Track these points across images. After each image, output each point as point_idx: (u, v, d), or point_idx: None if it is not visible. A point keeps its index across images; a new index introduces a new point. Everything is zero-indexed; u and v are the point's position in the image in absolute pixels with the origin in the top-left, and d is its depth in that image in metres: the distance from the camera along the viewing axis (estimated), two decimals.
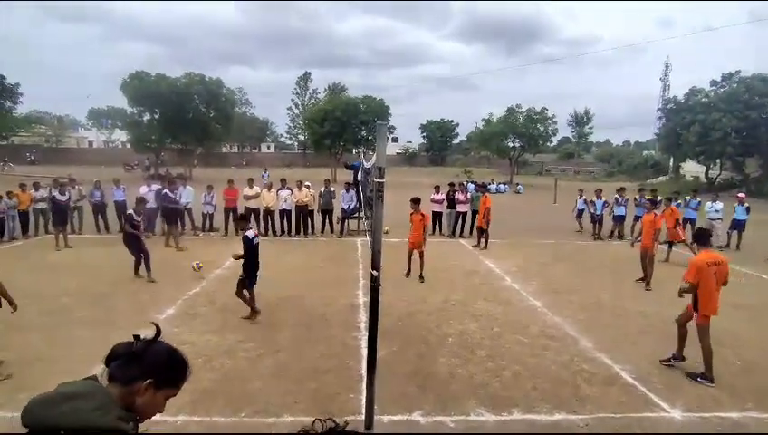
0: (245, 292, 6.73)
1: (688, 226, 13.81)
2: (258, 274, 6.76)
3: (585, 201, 15.63)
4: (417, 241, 9.04)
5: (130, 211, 8.99)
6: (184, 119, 37.55)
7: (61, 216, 11.65)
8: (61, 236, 11.49)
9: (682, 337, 5.55)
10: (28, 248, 11.57)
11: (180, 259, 10.24)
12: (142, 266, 8.82)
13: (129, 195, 13.72)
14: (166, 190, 12.40)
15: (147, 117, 39.19)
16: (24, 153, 52.10)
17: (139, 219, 8.94)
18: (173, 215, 12.14)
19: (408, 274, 9.27)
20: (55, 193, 11.98)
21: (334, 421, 1.09)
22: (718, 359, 5.80)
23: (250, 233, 6.69)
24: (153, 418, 1.37)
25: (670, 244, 11.57)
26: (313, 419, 1.09)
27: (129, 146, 47.63)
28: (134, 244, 8.78)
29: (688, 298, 5.43)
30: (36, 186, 13.16)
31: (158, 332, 1.45)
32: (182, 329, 6.40)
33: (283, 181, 13.97)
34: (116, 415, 1.22)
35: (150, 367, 1.35)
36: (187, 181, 17.14)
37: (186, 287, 8.29)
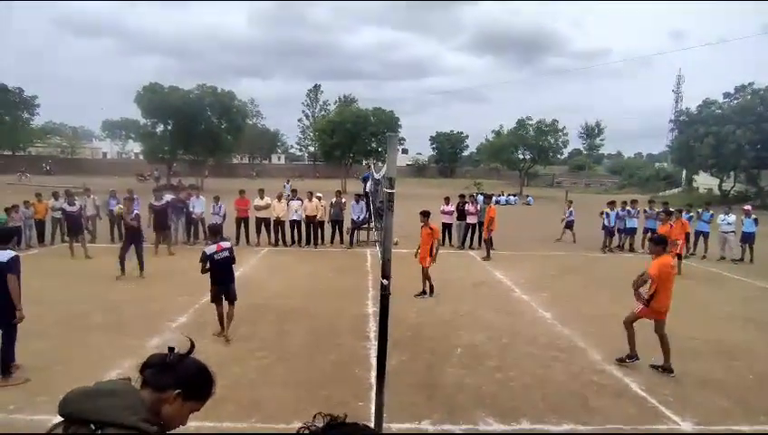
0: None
1: (701, 238, 13.72)
2: (224, 292, 6.43)
3: (572, 212, 16.13)
4: (423, 256, 8.69)
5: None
6: (196, 130, 38.12)
7: (74, 226, 11.87)
8: (77, 245, 11.68)
9: (631, 337, 5.92)
10: (44, 257, 11.80)
11: (191, 268, 10.37)
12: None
13: (143, 205, 13.96)
14: (150, 201, 12.68)
15: (160, 128, 39.84)
16: (40, 164, 53.16)
17: (131, 218, 9.58)
18: (164, 221, 12.54)
19: (422, 293, 8.82)
20: (64, 205, 12.21)
21: (332, 416, 1.16)
22: (731, 373, 5.79)
23: (208, 248, 6.42)
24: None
25: (679, 256, 11.46)
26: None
27: (141, 157, 48.45)
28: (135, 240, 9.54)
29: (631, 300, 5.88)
30: (56, 195, 13.48)
31: (192, 346, 1.53)
32: (193, 337, 6.39)
33: (294, 192, 14.13)
34: (142, 417, 1.28)
35: (181, 379, 1.42)
36: (199, 192, 17.43)
37: (197, 296, 8.39)
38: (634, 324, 5.91)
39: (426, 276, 8.74)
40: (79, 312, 7.38)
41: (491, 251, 12.63)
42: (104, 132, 79.12)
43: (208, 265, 6.32)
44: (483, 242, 13.03)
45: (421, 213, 8.84)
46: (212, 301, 6.48)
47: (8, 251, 5.10)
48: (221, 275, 6.39)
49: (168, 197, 13.70)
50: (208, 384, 1.52)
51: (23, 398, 4.64)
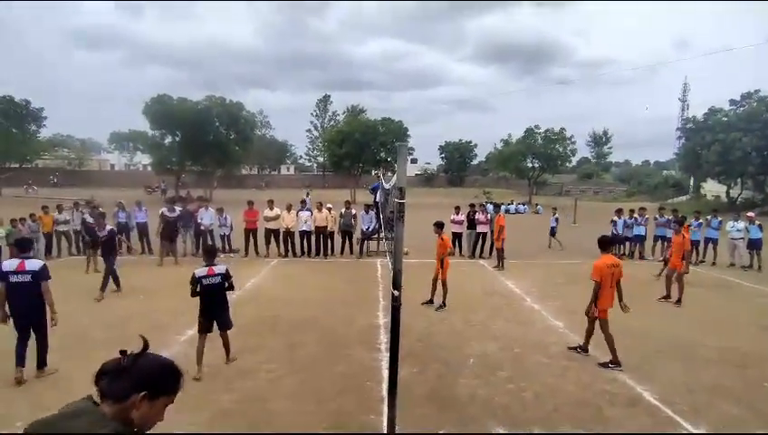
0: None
1: (710, 245, 13.63)
2: (215, 323, 5.83)
3: (557, 219, 16.56)
4: (437, 266, 8.68)
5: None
6: (204, 141, 38.36)
7: (93, 238, 11.97)
8: (92, 259, 11.69)
9: (589, 332, 6.36)
10: (51, 270, 11.84)
11: None
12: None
13: (152, 216, 14.13)
14: (164, 210, 12.90)
15: (168, 140, 40.13)
16: (47, 176, 53.62)
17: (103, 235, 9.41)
18: (173, 233, 12.77)
19: (429, 301, 8.84)
20: (86, 216, 12.35)
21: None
22: (745, 381, 5.73)
23: (199, 271, 5.78)
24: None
25: (665, 261, 11.47)
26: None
27: (150, 169, 48.84)
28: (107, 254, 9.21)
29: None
30: (60, 208, 13.61)
31: (146, 345, 1.49)
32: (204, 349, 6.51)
33: (303, 203, 14.22)
34: (108, 431, 1.28)
35: (142, 380, 1.40)
36: (208, 204, 17.59)
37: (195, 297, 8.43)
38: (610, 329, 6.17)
39: (441, 287, 8.67)
40: (82, 327, 7.29)
41: (503, 261, 12.60)
42: (112, 144, 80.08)
43: (198, 288, 5.72)
44: (496, 251, 12.96)
45: (435, 224, 8.81)
46: (198, 331, 5.79)
47: (35, 260, 5.47)
48: (209, 303, 5.75)
49: (178, 208, 13.87)
50: (173, 376, 1.49)
51: (28, 413, 4.70)
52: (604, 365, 6.03)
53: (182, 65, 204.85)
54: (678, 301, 8.99)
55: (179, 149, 39.32)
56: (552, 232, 16.49)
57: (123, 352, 1.44)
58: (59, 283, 10.46)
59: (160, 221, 12.66)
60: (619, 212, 14.87)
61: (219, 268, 5.84)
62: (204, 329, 5.74)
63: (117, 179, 57.96)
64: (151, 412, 1.43)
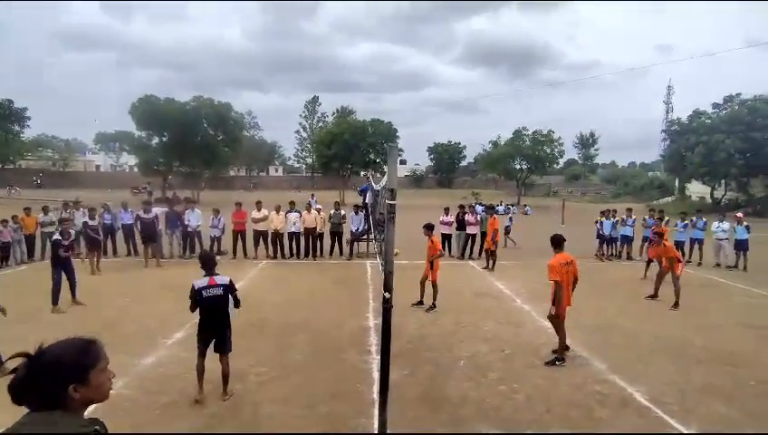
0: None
1: (696, 246, 13.82)
2: (214, 341, 5.08)
3: (511, 218, 17.10)
4: (427, 268, 8.67)
5: (57, 237, 8.46)
6: (192, 142, 38.07)
7: (94, 240, 11.82)
8: (93, 259, 11.53)
9: (562, 337, 6.31)
10: (34, 273, 11.61)
11: (186, 282, 10.30)
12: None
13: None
14: (139, 212, 12.85)
15: (155, 140, 39.76)
16: (30, 177, 52.63)
17: (67, 243, 8.47)
18: (153, 234, 12.55)
19: (418, 303, 8.80)
20: (86, 218, 12.12)
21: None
22: (732, 379, 5.79)
23: (198, 281, 5.07)
24: None
25: (649, 261, 11.70)
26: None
27: (136, 170, 48.25)
28: (61, 267, 8.33)
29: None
30: (45, 210, 13.33)
31: (21, 354, 1.42)
32: (191, 354, 6.35)
33: (292, 204, 14.11)
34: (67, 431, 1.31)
35: (57, 377, 1.38)
36: (196, 205, 17.37)
37: (196, 311, 8.29)
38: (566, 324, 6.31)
39: (431, 288, 8.64)
40: (68, 332, 7.09)
41: (495, 263, 12.60)
42: (97, 145, 78.80)
43: (197, 301, 5.04)
44: (487, 253, 12.93)
45: (424, 226, 8.76)
46: (198, 350, 5.10)
47: None
48: (211, 318, 5.06)
49: (158, 210, 13.68)
50: (84, 353, 1.45)
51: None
52: (550, 363, 6.11)
53: (171, 67, 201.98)
54: (676, 304, 8.85)
55: (166, 149, 38.98)
56: (507, 231, 16.71)
57: (14, 370, 1.40)
58: (44, 286, 10.27)
59: (136, 224, 12.65)
60: (605, 213, 15.02)
61: (222, 279, 5.12)
62: (203, 347, 5.07)
63: (103, 180, 57.19)
64: (94, 388, 1.44)
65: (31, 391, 1.37)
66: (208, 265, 5.20)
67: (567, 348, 6.42)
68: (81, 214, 13.41)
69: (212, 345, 5.10)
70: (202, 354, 5.05)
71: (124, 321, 7.77)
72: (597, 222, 15.03)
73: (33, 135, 55.29)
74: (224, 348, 5.11)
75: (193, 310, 5.07)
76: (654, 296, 9.46)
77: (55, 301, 8.27)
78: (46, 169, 59.67)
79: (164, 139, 39.03)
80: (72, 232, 9.09)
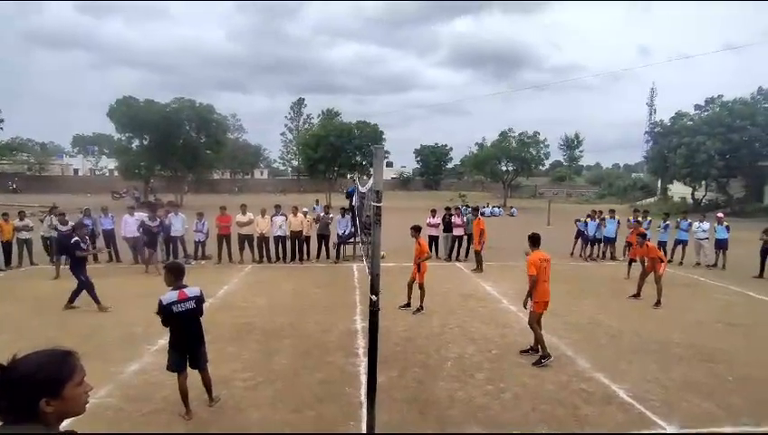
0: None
1: (679, 246, 14.08)
2: (188, 355, 4.77)
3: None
4: (414, 271, 8.68)
5: (76, 238, 8.75)
6: (174, 145, 37.38)
7: (64, 247, 11.46)
8: (62, 267, 11.15)
9: (539, 337, 6.32)
10: (12, 280, 11.35)
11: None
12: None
13: (118, 223, 13.69)
14: (144, 219, 12.67)
15: (135, 143, 38.94)
16: (5, 182, 51.14)
17: (86, 246, 8.86)
18: (152, 240, 12.40)
19: (405, 305, 8.79)
20: (56, 223, 11.86)
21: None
22: (711, 375, 5.91)
23: (166, 296, 4.61)
24: None
25: (632, 261, 11.97)
26: None
27: (116, 173, 47.29)
28: (79, 271, 8.57)
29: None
30: (21, 215, 13.02)
31: (3, 367, 1.39)
32: None
33: (278, 207, 14.02)
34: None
35: (28, 390, 1.35)
36: (179, 209, 17.15)
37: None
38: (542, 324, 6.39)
39: (418, 290, 8.64)
40: (49, 339, 6.96)
41: (482, 263, 12.68)
42: (75, 148, 76.69)
43: (168, 317, 4.63)
44: (472, 254, 13.02)
45: (412, 228, 8.80)
46: (168, 368, 4.74)
47: None
48: (183, 333, 4.70)
49: (140, 214, 13.48)
50: (58, 366, 1.42)
51: None
52: (537, 363, 6.13)
53: (151, 68, 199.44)
54: (658, 303, 9.06)
55: (147, 152, 38.20)
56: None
57: None
58: (23, 293, 10.05)
59: (142, 230, 12.55)
60: (593, 215, 15.19)
61: (192, 290, 4.76)
62: (177, 366, 4.69)
63: (81, 185, 55.88)
64: (68, 402, 1.41)
65: (2, 404, 1.34)
66: (177, 275, 4.77)
67: (537, 349, 6.39)
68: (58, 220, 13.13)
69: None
70: (181, 372, 4.69)
71: (106, 328, 7.62)
72: (577, 221, 15.32)
73: (7, 138, 53.73)
74: (200, 364, 4.85)
75: (165, 325, 4.68)
76: (637, 296, 9.62)
77: (97, 300, 8.47)
78: (21, 174, 57.82)
79: (145, 141, 38.24)
80: (87, 238, 9.29)
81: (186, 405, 4.74)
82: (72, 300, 8.56)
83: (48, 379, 1.38)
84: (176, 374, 4.77)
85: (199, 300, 4.81)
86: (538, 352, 6.32)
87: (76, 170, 74.72)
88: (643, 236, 9.77)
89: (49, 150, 72.35)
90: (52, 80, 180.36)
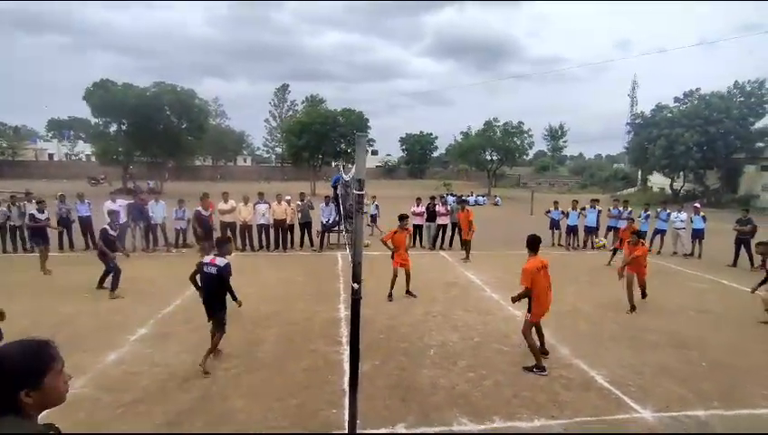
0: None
1: (658, 236, 14.38)
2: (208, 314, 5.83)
3: (377, 206, 16.96)
4: (405, 258, 8.80)
5: (105, 226, 8.90)
6: (154, 130, 36.30)
7: (41, 235, 11.04)
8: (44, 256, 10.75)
9: (533, 347, 5.77)
10: None
11: (151, 277, 10.02)
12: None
13: (95, 210, 13.34)
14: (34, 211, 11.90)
15: (113, 128, 37.77)
16: None
17: (114, 233, 8.92)
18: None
19: (389, 297, 8.71)
20: (33, 211, 11.32)
21: None
22: (685, 361, 6.09)
23: (205, 259, 5.82)
24: None
25: (614, 250, 12.33)
26: None
27: (94, 159, 46.07)
28: (107, 258, 8.70)
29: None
30: None
31: None
32: (155, 350, 6.24)
33: (261, 195, 13.86)
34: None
35: (4, 385, 1.33)
36: (159, 196, 16.84)
37: (158, 305, 8.08)
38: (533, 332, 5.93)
39: (399, 278, 8.74)
40: (22, 329, 6.77)
41: (469, 252, 12.75)
42: (50, 132, 74.10)
43: (198, 272, 5.80)
44: (465, 244, 13.03)
45: (400, 217, 8.99)
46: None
47: None
48: (205, 291, 5.78)
49: (122, 201, 13.17)
50: (37, 358, 1.39)
51: None
52: (528, 369, 5.65)
53: (129, 52, 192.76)
54: (643, 295, 8.63)
55: (126, 138, 37.12)
56: (373, 219, 16.79)
57: None
58: None
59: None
60: (574, 203, 15.39)
61: (221, 260, 5.69)
62: (209, 317, 5.78)
63: (56, 170, 54.32)
64: (48, 393, 1.39)
65: None
66: (219, 246, 5.89)
67: (546, 353, 6.07)
68: (33, 207, 12.75)
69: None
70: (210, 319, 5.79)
71: (83, 318, 7.46)
72: (548, 212, 15.74)
73: None
74: (215, 327, 5.75)
75: (192, 280, 5.87)
76: (633, 309, 8.15)
77: (114, 286, 8.58)
78: None
79: (123, 126, 37.14)
80: (118, 225, 9.30)
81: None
82: (101, 281, 8.88)
83: (28, 370, 1.36)
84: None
85: (221, 269, 5.64)
86: (541, 370, 5.62)
87: (51, 155, 72.57)
88: (638, 234, 8.74)
89: (22, 134, 69.81)
90: (26, 62, 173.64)
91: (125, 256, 9.89)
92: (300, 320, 7.48)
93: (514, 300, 5.96)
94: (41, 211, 11.30)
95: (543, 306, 5.80)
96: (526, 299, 5.83)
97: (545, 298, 5.79)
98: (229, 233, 13.23)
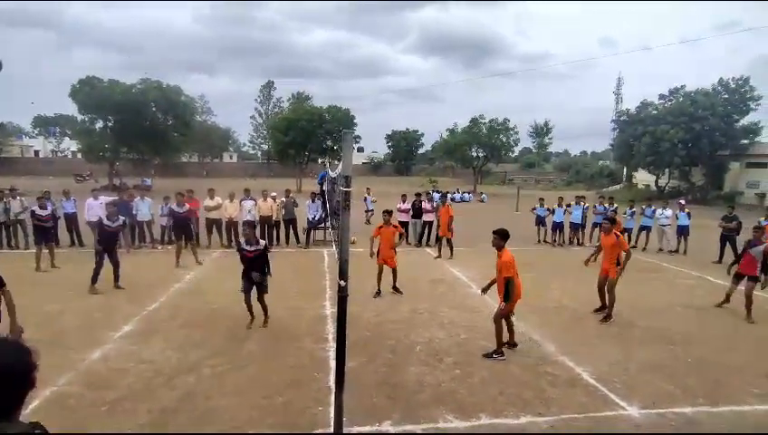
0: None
1: (644, 233, 14.55)
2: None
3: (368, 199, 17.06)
4: (389, 256, 8.78)
5: (101, 217, 9.01)
6: (140, 127, 35.95)
7: (44, 232, 10.67)
8: (44, 254, 10.45)
9: (499, 333, 6.04)
10: None
11: (135, 274, 9.84)
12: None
13: (80, 207, 13.09)
14: (172, 206, 11.86)
15: (99, 125, 37.36)
16: None
17: (112, 224, 8.82)
18: (188, 229, 11.41)
19: (377, 294, 8.72)
20: (35, 208, 10.93)
21: None
22: (671, 357, 6.14)
23: (243, 240, 7.14)
24: None
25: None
26: None
27: (80, 156, 45.43)
28: (104, 251, 8.73)
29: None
30: None
31: None
32: (140, 346, 6.15)
33: (247, 192, 13.71)
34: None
35: (11, 390, 1.32)
36: (145, 193, 16.56)
37: (144, 302, 7.96)
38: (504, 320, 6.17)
39: (385, 275, 8.72)
40: (4, 326, 6.66)
41: (452, 250, 12.74)
42: (36, 129, 73.14)
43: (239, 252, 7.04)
44: (440, 240, 13.05)
45: (385, 212, 9.02)
46: (242, 290, 6.93)
47: None
48: (247, 268, 6.88)
49: (105, 198, 12.90)
50: (28, 356, 1.40)
51: None
52: (488, 356, 5.93)
53: (114, 48, 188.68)
54: (608, 316, 7.50)
55: (112, 135, 36.73)
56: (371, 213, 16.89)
57: None
58: None
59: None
60: (559, 200, 15.53)
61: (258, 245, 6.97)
62: (244, 289, 6.87)
63: (42, 167, 53.64)
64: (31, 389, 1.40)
65: None
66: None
67: (514, 345, 6.26)
68: (18, 203, 12.45)
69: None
70: (246, 293, 6.84)
71: (67, 315, 7.33)
72: (533, 209, 15.69)
73: None
74: (260, 288, 6.92)
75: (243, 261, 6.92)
76: (602, 309, 7.81)
77: (94, 280, 8.53)
78: None
79: (109, 123, 36.72)
80: (121, 218, 9.12)
81: (250, 312, 6.95)
82: (116, 279, 8.88)
83: (26, 370, 1.36)
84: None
85: (258, 249, 6.88)
86: (503, 356, 5.90)
87: (37, 152, 71.53)
88: (612, 221, 7.87)
89: (8, 131, 68.53)
90: (11, 58, 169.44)
91: (125, 251, 9.62)
92: (286, 317, 7.41)
93: (505, 298, 5.94)
94: (42, 208, 10.88)
95: (519, 296, 6.11)
96: (494, 288, 6.24)
97: (520, 288, 6.10)
98: (215, 229, 13.11)
